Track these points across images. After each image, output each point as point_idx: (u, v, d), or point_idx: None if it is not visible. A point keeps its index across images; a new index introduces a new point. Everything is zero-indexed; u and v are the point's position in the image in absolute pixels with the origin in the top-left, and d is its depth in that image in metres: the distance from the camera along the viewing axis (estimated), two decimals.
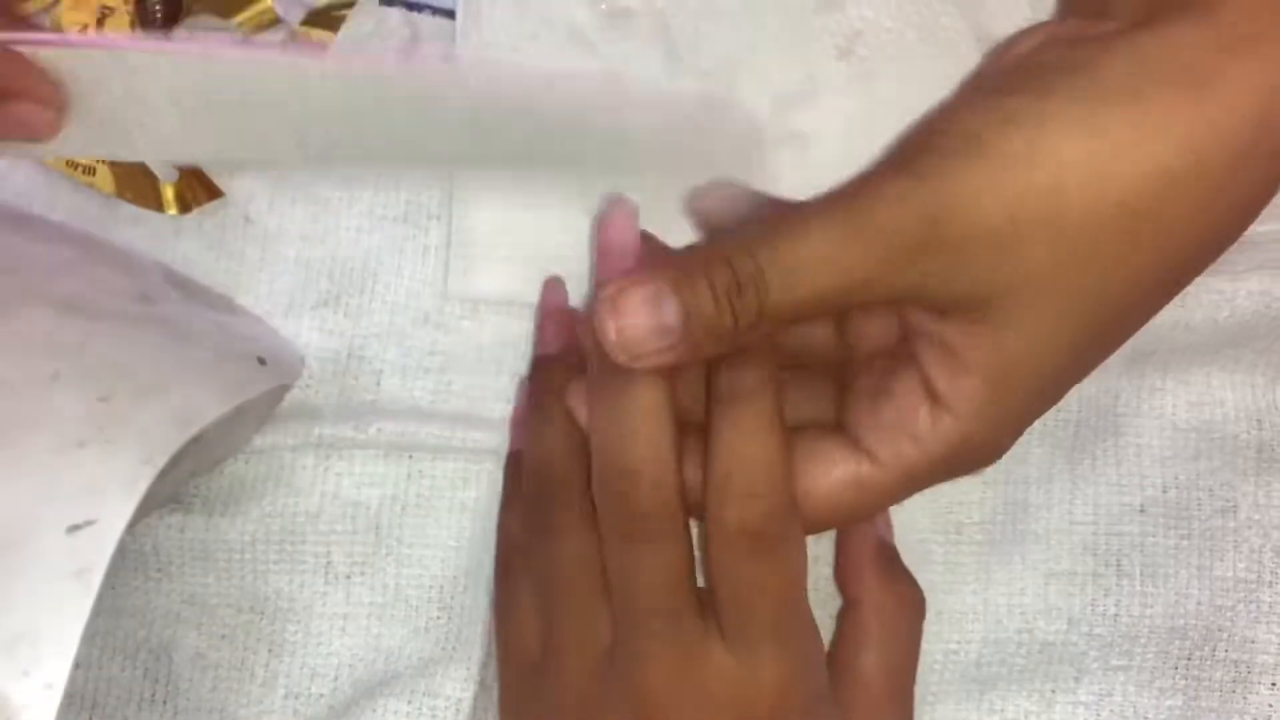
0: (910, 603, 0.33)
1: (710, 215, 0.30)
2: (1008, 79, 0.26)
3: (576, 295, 0.36)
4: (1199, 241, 0.27)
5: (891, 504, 0.30)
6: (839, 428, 0.29)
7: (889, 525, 0.34)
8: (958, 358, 0.27)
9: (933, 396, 0.27)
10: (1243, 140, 0.25)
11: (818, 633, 0.30)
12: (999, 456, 0.28)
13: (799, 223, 0.26)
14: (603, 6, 0.36)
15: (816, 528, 0.29)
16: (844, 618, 0.33)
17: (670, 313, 0.26)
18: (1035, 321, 0.26)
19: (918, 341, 0.27)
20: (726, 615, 0.29)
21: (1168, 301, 0.28)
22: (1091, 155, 0.24)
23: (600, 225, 0.28)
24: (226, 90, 0.26)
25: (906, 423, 0.27)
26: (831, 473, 0.28)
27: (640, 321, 0.26)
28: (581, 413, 0.30)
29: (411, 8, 0.37)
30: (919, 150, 0.26)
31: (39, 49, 0.26)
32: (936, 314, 0.27)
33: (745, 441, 0.27)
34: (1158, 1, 0.26)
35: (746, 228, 0.27)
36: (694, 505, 0.29)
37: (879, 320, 0.29)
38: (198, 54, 0.26)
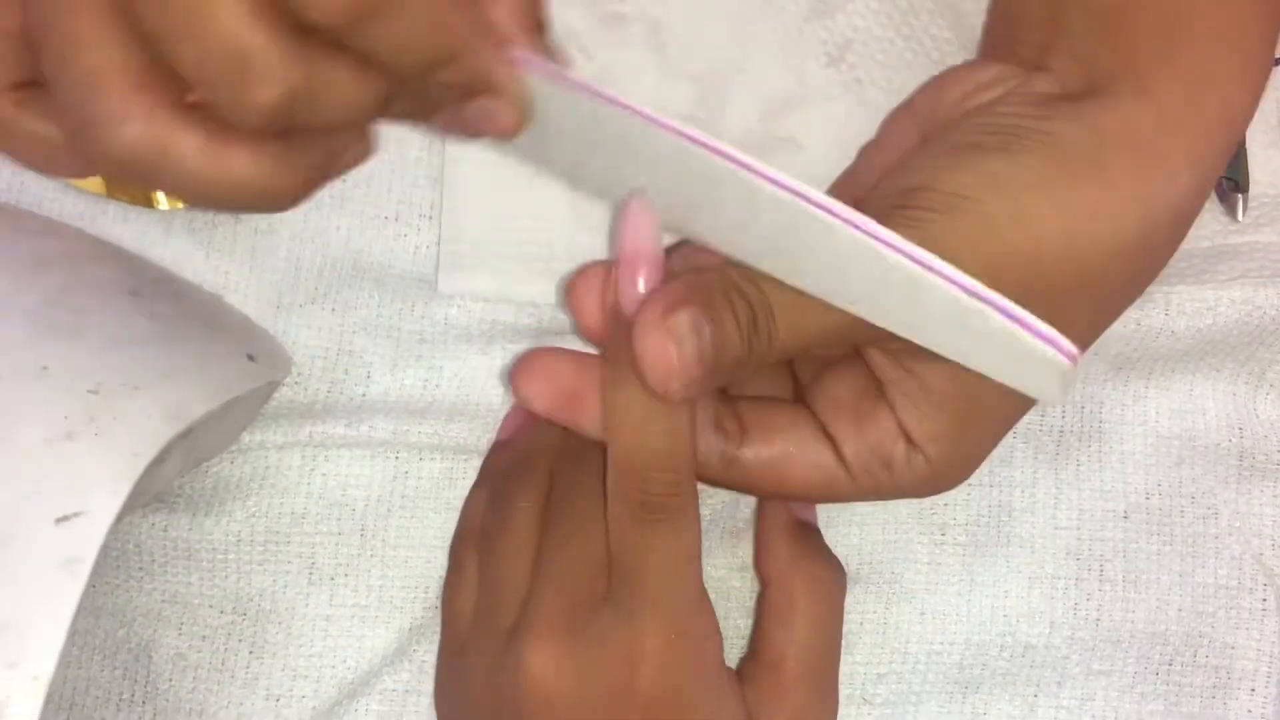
0: (823, 581, 0.33)
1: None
2: (980, 136, 0.28)
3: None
4: (1132, 296, 0.30)
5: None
6: (825, 432, 0.30)
7: (810, 504, 0.35)
8: (930, 403, 0.29)
9: (907, 436, 0.29)
10: (1179, 211, 0.28)
11: (711, 614, 0.30)
12: (954, 487, 0.30)
13: None
14: (596, 12, 0.36)
15: (777, 497, 0.33)
16: (758, 598, 0.33)
17: (705, 343, 0.26)
18: None
19: (890, 388, 0.29)
20: (617, 584, 0.29)
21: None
22: (1064, 224, 0.27)
23: (621, 225, 0.27)
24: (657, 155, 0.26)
25: (886, 450, 0.29)
26: (812, 469, 0.30)
27: (680, 351, 0.26)
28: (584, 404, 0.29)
29: None
30: (907, 204, 0.27)
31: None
32: (911, 358, 0.28)
33: (649, 419, 0.27)
34: (1093, 65, 0.28)
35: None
36: (712, 477, 0.30)
37: None
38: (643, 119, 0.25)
